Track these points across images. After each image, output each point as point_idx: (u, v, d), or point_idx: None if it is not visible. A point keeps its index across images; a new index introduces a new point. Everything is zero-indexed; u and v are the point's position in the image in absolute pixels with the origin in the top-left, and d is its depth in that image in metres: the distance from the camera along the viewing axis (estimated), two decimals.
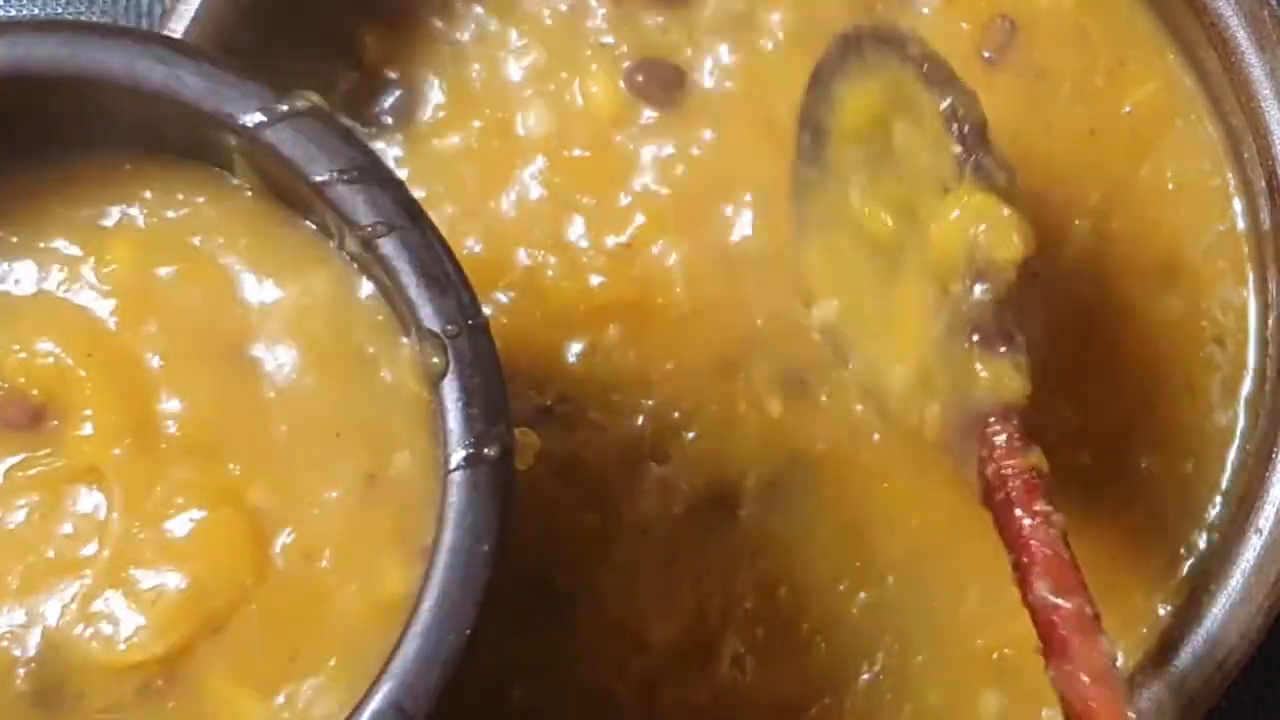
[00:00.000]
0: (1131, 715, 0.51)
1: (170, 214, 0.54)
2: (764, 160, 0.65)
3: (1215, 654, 0.59)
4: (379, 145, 0.66)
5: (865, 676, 0.63)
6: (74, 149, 0.53)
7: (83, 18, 0.73)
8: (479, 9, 0.67)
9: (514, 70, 0.66)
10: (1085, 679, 0.51)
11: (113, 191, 0.54)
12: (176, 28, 0.62)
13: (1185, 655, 0.60)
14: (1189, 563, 0.64)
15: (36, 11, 0.73)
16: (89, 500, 0.52)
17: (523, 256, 0.65)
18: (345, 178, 0.51)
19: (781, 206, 0.64)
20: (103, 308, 0.53)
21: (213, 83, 0.51)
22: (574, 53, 0.66)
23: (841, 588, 0.64)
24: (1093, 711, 0.51)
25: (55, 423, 0.53)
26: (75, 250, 0.54)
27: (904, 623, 0.64)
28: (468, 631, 0.49)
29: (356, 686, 0.50)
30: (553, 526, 0.64)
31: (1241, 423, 0.65)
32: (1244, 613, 0.60)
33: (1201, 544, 0.64)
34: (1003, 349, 0.55)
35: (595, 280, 0.65)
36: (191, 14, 0.62)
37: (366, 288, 0.53)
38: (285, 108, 0.51)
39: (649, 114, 0.66)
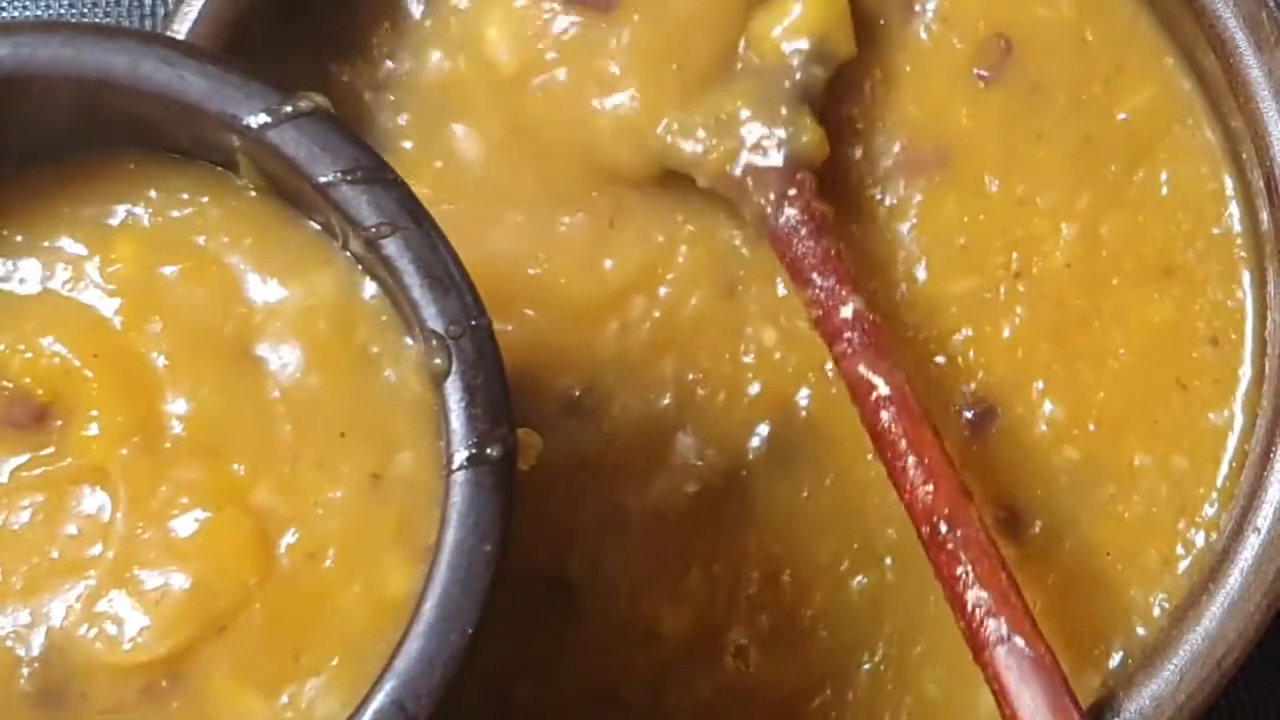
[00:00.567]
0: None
1: (175, 213, 0.54)
2: None
3: (1214, 653, 0.60)
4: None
5: (866, 667, 0.64)
6: (78, 149, 0.53)
7: (86, 19, 0.73)
8: None
9: None
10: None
11: (117, 191, 0.54)
12: (180, 28, 0.62)
13: (1184, 654, 0.60)
14: (1187, 561, 0.64)
15: (40, 12, 0.73)
16: (93, 500, 0.52)
17: (530, 270, 0.66)
18: (349, 179, 0.51)
19: None
20: (108, 307, 0.53)
21: (217, 83, 0.51)
22: None
23: (842, 568, 0.64)
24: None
25: (60, 423, 0.53)
26: (80, 249, 0.54)
27: (904, 611, 0.64)
28: (470, 631, 0.49)
29: (359, 686, 0.50)
30: (570, 520, 0.64)
31: (1239, 422, 0.65)
32: (1242, 612, 0.60)
33: (1199, 543, 0.64)
34: (806, 114, 0.65)
35: (608, 264, 0.66)
36: (195, 14, 0.62)
37: (370, 288, 0.53)
38: (289, 108, 0.51)
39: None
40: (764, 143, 0.65)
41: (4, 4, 0.73)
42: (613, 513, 0.65)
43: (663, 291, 0.66)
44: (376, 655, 0.50)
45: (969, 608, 0.59)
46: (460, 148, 0.67)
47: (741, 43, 0.66)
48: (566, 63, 0.66)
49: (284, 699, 0.51)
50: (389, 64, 0.67)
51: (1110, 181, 0.67)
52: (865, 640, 0.64)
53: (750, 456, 0.65)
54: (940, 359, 0.66)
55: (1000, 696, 0.58)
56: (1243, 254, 0.66)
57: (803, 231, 0.64)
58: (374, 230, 0.50)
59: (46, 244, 0.54)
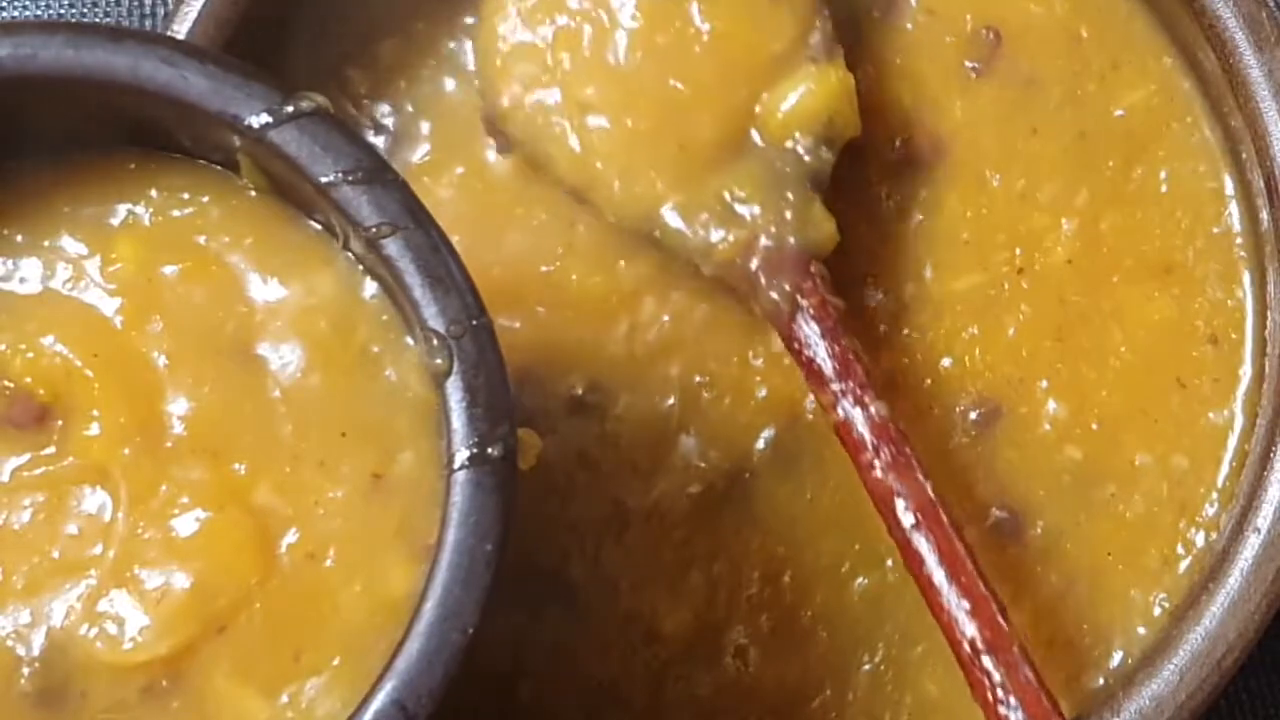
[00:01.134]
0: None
1: (175, 213, 0.54)
2: None
3: (1214, 653, 0.60)
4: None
5: (866, 667, 0.64)
6: (79, 149, 0.53)
7: (86, 19, 0.73)
8: None
9: None
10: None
11: (118, 190, 0.54)
12: (180, 28, 0.62)
13: (1184, 654, 0.60)
14: (1187, 561, 0.64)
15: (40, 12, 0.73)
16: (94, 500, 0.52)
17: (543, 268, 0.66)
18: (350, 179, 0.51)
19: None
20: (109, 306, 0.53)
21: (217, 83, 0.51)
22: None
23: (843, 570, 0.64)
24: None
25: (60, 422, 0.52)
26: (81, 248, 0.54)
27: (904, 612, 0.64)
28: (470, 630, 0.49)
29: (360, 685, 0.50)
30: (571, 518, 0.64)
31: (1239, 422, 0.65)
32: (1242, 612, 0.60)
33: (1199, 543, 0.64)
34: (814, 200, 0.63)
35: (621, 264, 0.66)
36: (195, 14, 0.62)
37: (371, 287, 0.53)
38: (290, 108, 0.51)
39: None
40: (773, 233, 0.63)
41: (4, 4, 0.73)
42: (614, 512, 0.65)
43: (675, 295, 0.66)
44: (377, 654, 0.50)
45: None
46: (484, 155, 0.66)
47: (748, 124, 0.64)
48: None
49: (284, 698, 0.51)
50: (399, 72, 0.67)
51: (1108, 177, 0.67)
52: (865, 641, 0.64)
53: (754, 459, 0.65)
54: (947, 361, 0.66)
55: None
56: (1242, 253, 0.66)
57: (818, 330, 0.62)
58: (375, 230, 0.50)
59: (47, 243, 0.54)
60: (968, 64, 0.67)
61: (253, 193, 0.54)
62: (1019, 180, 0.67)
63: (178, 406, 0.53)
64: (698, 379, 0.65)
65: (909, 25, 0.67)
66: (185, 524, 0.52)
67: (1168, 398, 0.65)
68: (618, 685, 0.64)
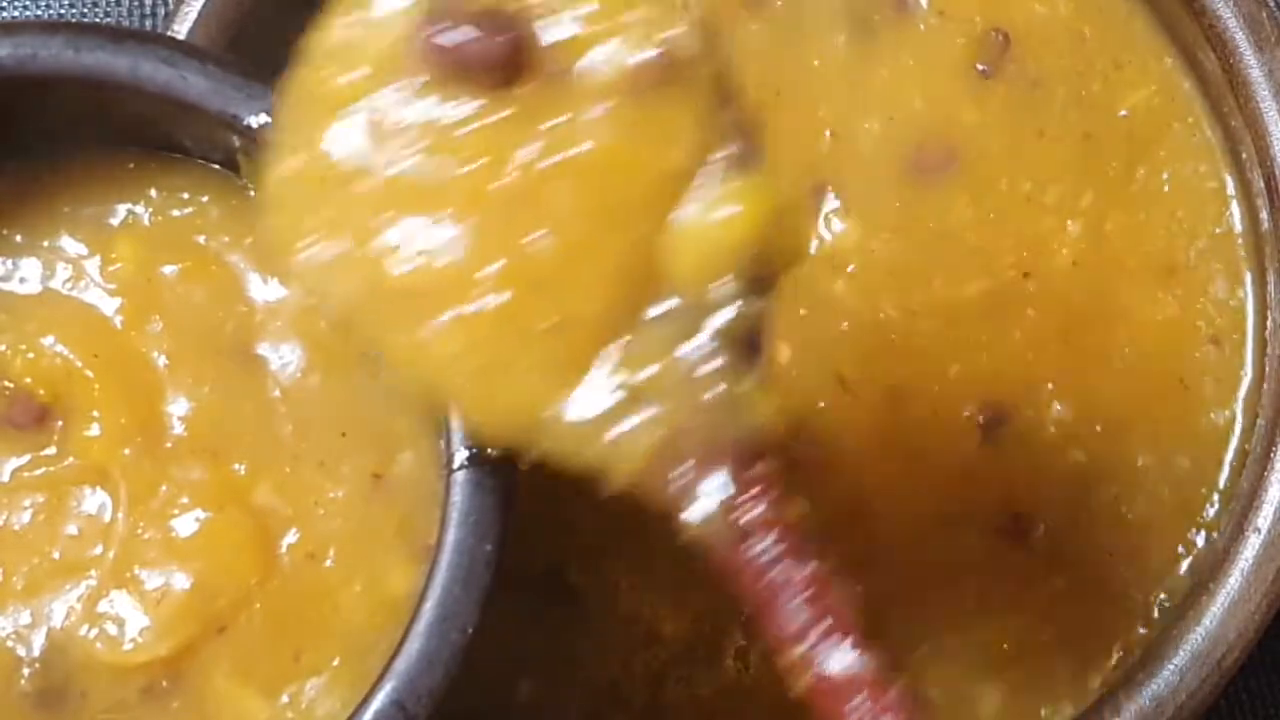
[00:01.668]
0: None
1: (175, 212, 0.54)
2: None
3: (1214, 653, 0.60)
4: None
5: None
6: (79, 149, 0.54)
7: (86, 19, 0.73)
8: None
9: None
10: None
11: (118, 190, 0.54)
12: (180, 28, 0.62)
13: (1184, 654, 0.60)
14: (1187, 561, 0.64)
15: (40, 13, 0.73)
16: (94, 501, 0.52)
17: None
18: None
19: None
20: (109, 306, 0.53)
21: (217, 83, 0.51)
22: None
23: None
24: None
25: (60, 423, 0.53)
26: (81, 249, 0.54)
27: (904, 616, 0.64)
28: (469, 630, 0.49)
29: (359, 685, 0.50)
30: (571, 520, 0.64)
31: (1240, 422, 0.65)
32: (1242, 612, 0.60)
33: (1200, 543, 0.64)
34: (750, 369, 0.46)
35: None
36: (195, 14, 0.62)
37: None
38: None
39: None
40: (696, 427, 0.46)
41: (4, 4, 0.73)
42: (614, 514, 0.64)
43: None
44: (377, 654, 0.50)
45: None
46: None
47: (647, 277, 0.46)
48: None
49: (284, 699, 0.52)
50: None
51: (1112, 178, 0.67)
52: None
53: None
54: (955, 368, 0.66)
55: None
56: (1243, 254, 0.66)
57: (772, 553, 0.46)
58: None
59: (47, 243, 0.54)
60: (979, 66, 0.67)
61: (252, 193, 0.54)
62: (1026, 183, 0.67)
63: (178, 407, 0.53)
64: None
65: (921, 27, 0.67)
66: (185, 524, 0.52)
67: (1170, 399, 0.65)
68: (618, 686, 0.63)
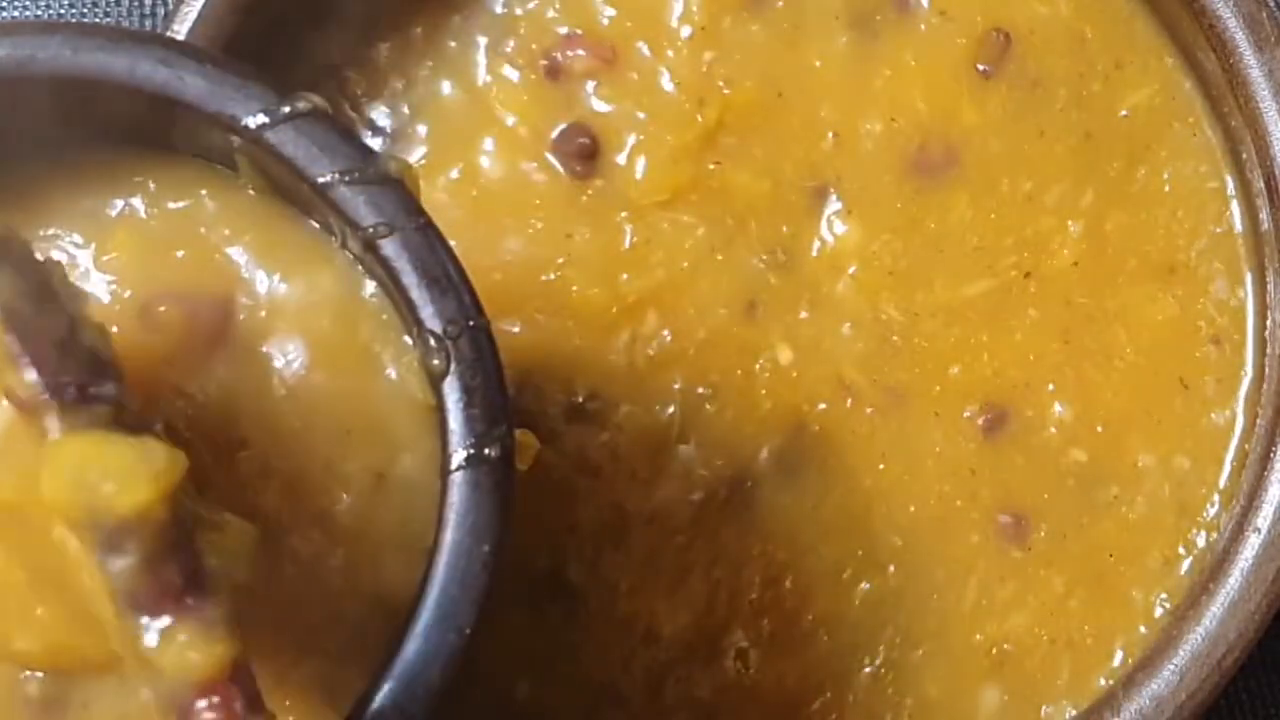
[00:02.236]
0: None
1: (172, 205, 0.53)
2: None
3: (1214, 653, 0.60)
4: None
5: (867, 670, 0.64)
6: (77, 149, 0.53)
7: (86, 19, 0.73)
8: None
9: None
10: None
11: (114, 185, 0.53)
12: (180, 29, 0.62)
13: (1184, 654, 0.60)
14: (1187, 561, 0.64)
15: (40, 13, 0.73)
16: None
17: (543, 276, 0.66)
18: (347, 179, 0.50)
19: None
20: (107, 297, 0.53)
21: (215, 84, 0.51)
22: None
23: (845, 576, 0.64)
24: None
25: None
26: (76, 238, 0.53)
27: (905, 616, 0.64)
28: (467, 631, 0.49)
29: (359, 687, 0.50)
30: (571, 521, 0.64)
31: (1240, 422, 0.65)
32: (1242, 612, 0.60)
33: (1200, 543, 0.64)
34: (169, 618, 0.43)
35: (624, 277, 0.66)
36: (195, 15, 0.62)
37: (371, 286, 0.53)
38: (287, 109, 0.51)
39: None
40: None
41: (4, 4, 0.73)
42: (614, 516, 0.65)
43: (678, 308, 0.66)
44: (376, 656, 0.50)
45: None
46: (479, 159, 0.66)
47: None
48: None
49: (285, 702, 0.51)
50: (397, 73, 0.67)
51: (1113, 178, 0.67)
52: (866, 644, 0.64)
53: (757, 468, 0.65)
54: (956, 369, 0.65)
55: None
56: (1244, 254, 0.66)
57: None
58: (372, 230, 0.50)
59: (42, 233, 0.53)
60: (980, 66, 0.67)
61: (250, 193, 0.54)
62: (1026, 183, 0.67)
63: (181, 404, 0.52)
64: (700, 390, 0.65)
65: (922, 27, 0.67)
66: None
67: (1171, 399, 0.65)
68: (617, 686, 0.64)
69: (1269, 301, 0.64)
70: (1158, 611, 0.64)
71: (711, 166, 0.66)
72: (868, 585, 0.64)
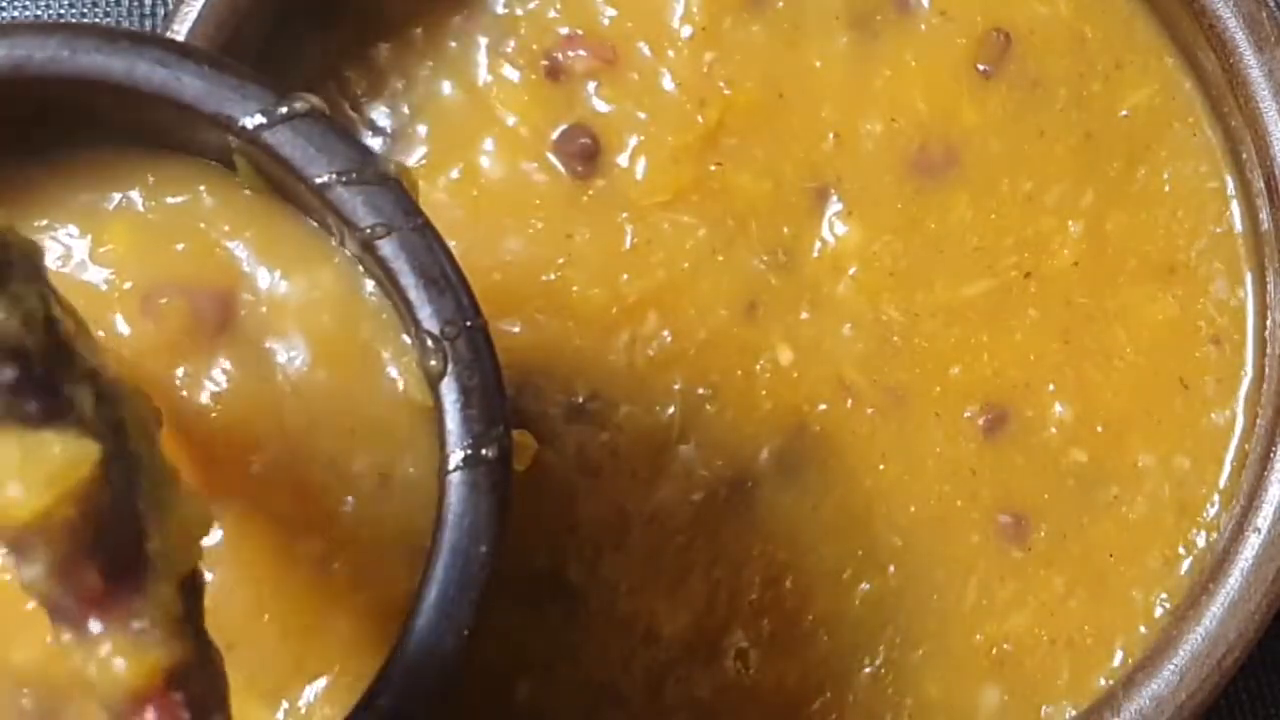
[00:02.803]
0: None
1: (171, 200, 0.53)
2: None
3: (1214, 653, 0.60)
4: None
5: (866, 670, 0.64)
6: (75, 148, 0.53)
7: (86, 19, 0.73)
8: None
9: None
10: None
11: (112, 180, 0.53)
12: (179, 29, 0.62)
13: (1184, 654, 0.60)
14: (1188, 561, 0.64)
15: (40, 13, 0.73)
16: None
17: (544, 277, 0.66)
18: (344, 179, 0.50)
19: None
20: (104, 287, 0.53)
21: (212, 84, 0.51)
22: None
23: (845, 576, 0.64)
24: None
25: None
26: (72, 229, 0.53)
27: (905, 616, 0.64)
28: (465, 632, 0.49)
29: (358, 689, 0.50)
30: (571, 521, 0.64)
31: (1240, 422, 0.65)
32: (1242, 612, 0.60)
33: (1200, 543, 0.64)
34: (98, 624, 0.40)
35: (624, 278, 0.66)
36: (194, 15, 0.62)
37: (371, 285, 0.53)
38: (285, 109, 0.51)
39: None
40: None
41: (4, 4, 0.73)
42: (614, 516, 0.65)
43: (679, 309, 0.66)
44: (377, 658, 0.50)
45: None
46: (479, 159, 0.66)
47: None
48: None
49: (285, 705, 0.51)
50: (397, 73, 0.67)
51: (1113, 178, 0.67)
52: (866, 644, 0.64)
53: (757, 468, 0.65)
54: (956, 369, 0.65)
55: None
56: (1243, 253, 0.66)
57: None
58: (369, 231, 0.50)
59: (36, 224, 0.53)
60: (980, 66, 0.67)
61: (248, 192, 0.54)
62: (1026, 183, 0.67)
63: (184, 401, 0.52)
64: (700, 391, 0.65)
65: (922, 27, 0.67)
66: None
67: (1171, 399, 0.65)
68: (617, 686, 0.64)
69: (1269, 301, 0.64)
70: (1158, 611, 0.64)
71: (712, 167, 0.66)
72: (868, 585, 0.64)
